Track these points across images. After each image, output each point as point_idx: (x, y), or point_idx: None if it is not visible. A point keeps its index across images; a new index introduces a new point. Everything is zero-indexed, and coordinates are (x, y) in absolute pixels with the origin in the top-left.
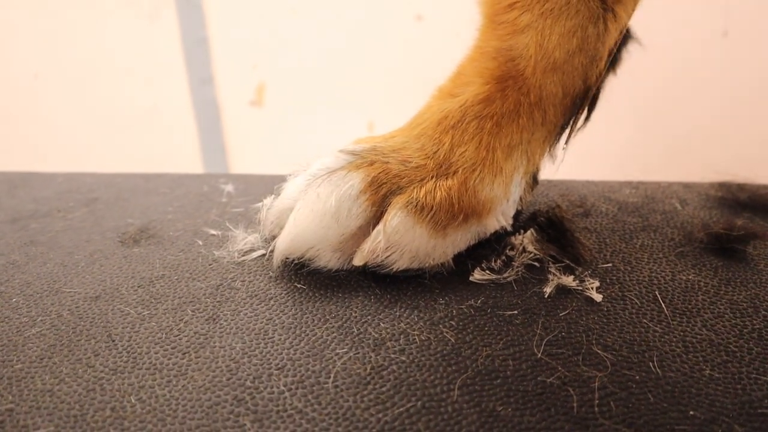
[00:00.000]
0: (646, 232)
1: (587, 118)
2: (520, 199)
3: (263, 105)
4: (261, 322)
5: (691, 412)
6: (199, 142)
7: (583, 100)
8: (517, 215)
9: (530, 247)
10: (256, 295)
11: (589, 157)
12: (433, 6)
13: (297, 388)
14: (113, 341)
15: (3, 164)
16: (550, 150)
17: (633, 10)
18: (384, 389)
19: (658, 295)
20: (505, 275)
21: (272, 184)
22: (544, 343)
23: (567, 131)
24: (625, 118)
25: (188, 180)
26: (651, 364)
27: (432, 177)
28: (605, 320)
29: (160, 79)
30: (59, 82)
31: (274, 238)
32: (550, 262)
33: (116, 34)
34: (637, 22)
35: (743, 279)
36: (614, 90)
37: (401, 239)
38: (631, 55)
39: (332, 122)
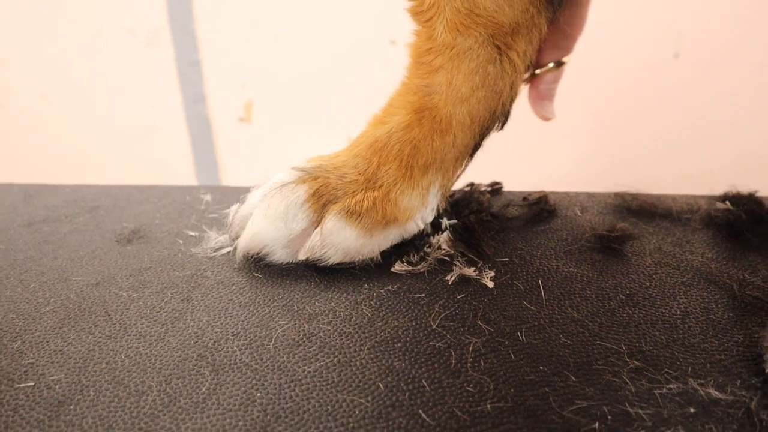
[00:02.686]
0: (544, 234)
1: (501, 128)
2: (437, 206)
3: (251, 121)
4: (224, 302)
5: (541, 367)
6: (193, 156)
7: (489, 127)
8: (437, 218)
9: (444, 246)
10: (222, 282)
11: (549, 169)
12: (406, 33)
13: (246, 349)
14: (109, 316)
15: (18, 177)
16: (463, 167)
17: (527, 54)
18: (311, 350)
19: (540, 283)
20: (420, 267)
21: (242, 194)
22: (440, 318)
23: (478, 151)
24: (581, 134)
25: (174, 191)
26: (519, 333)
27: (362, 189)
28: (492, 301)
29: (156, 98)
30: (65, 102)
31: (238, 237)
32: (458, 257)
33: (117, 58)
34: (592, 44)
35: (613, 271)
36: (571, 107)
37: (335, 239)
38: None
39: (315, 137)
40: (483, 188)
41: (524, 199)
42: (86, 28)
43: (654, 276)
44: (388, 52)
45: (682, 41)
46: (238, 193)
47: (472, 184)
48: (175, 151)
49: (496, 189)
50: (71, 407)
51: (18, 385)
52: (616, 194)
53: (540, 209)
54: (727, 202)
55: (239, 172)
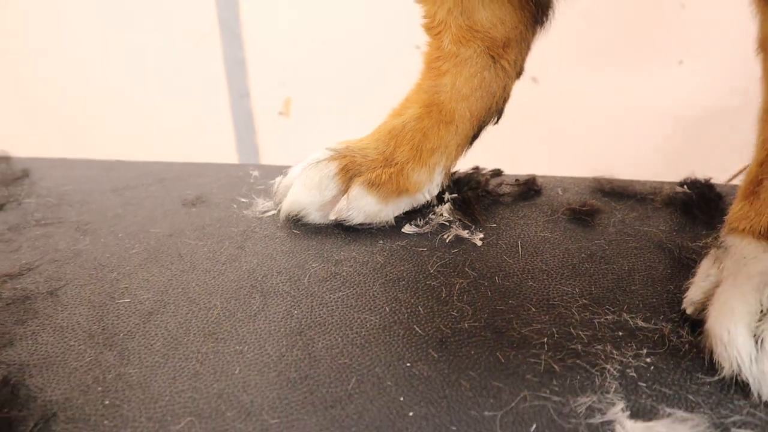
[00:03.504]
0: (528, 208)
1: (496, 122)
2: (442, 182)
3: (290, 116)
4: (269, 250)
5: (510, 301)
6: (236, 145)
7: (486, 121)
8: (441, 193)
9: (445, 213)
10: (268, 236)
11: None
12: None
13: (287, 282)
14: (181, 257)
15: (96, 154)
16: (464, 152)
17: (517, 62)
18: (336, 284)
19: (519, 243)
20: (424, 229)
21: (284, 170)
22: (436, 265)
23: (476, 140)
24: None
25: (228, 167)
26: (496, 278)
27: (381, 166)
28: (479, 255)
29: (206, 93)
30: (131, 94)
31: (280, 203)
32: (455, 222)
33: (173, 57)
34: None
35: (580, 236)
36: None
37: (358, 204)
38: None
39: (345, 131)
40: (484, 172)
41: (516, 180)
42: (149, 31)
43: (613, 241)
44: (412, 56)
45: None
46: (281, 170)
47: (476, 167)
48: (220, 140)
49: (495, 172)
50: (157, 316)
51: (118, 301)
52: (594, 178)
53: (528, 188)
54: (685, 186)
55: (277, 161)
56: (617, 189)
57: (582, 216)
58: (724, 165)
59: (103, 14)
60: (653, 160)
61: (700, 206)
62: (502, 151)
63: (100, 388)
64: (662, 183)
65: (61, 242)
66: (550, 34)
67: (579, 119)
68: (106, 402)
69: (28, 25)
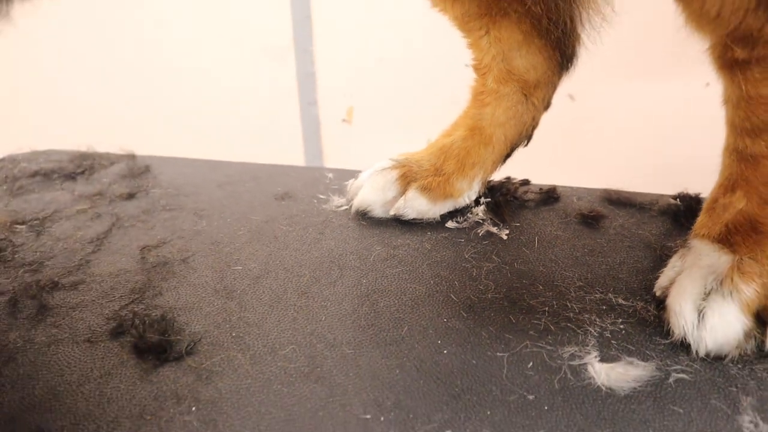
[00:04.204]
0: (547, 212)
1: (526, 145)
2: (479, 190)
3: (352, 123)
4: (343, 236)
5: (524, 281)
6: (303, 147)
7: (517, 144)
8: (478, 198)
9: (480, 213)
10: (342, 225)
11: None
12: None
13: (357, 259)
14: (276, 239)
15: (196, 153)
16: (499, 167)
17: (545, 98)
18: (393, 263)
19: (536, 239)
20: (463, 225)
21: (353, 174)
22: (471, 252)
23: (509, 157)
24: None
25: (308, 170)
26: (515, 263)
27: (432, 175)
28: (504, 246)
29: (280, 101)
30: (221, 102)
31: (352, 200)
32: (488, 221)
33: (253, 70)
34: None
35: (585, 236)
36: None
37: (412, 204)
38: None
39: (400, 138)
40: (514, 181)
41: (540, 188)
42: (232, 47)
43: (611, 240)
44: (460, 72)
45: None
46: (351, 174)
47: (508, 178)
48: (291, 142)
49: (524, 182)
50: (263, 280)
51: (233, 268)
52: (604, 189)
53: (548, 196)
54: (677, 199)
55: (339, 163)
56: (622, 199)
57: (589, 220)
58: None
59: (204, 35)
60: (676, 174)
61: (686, 216)
62: (537, 162)
63: (227, 326)
64: (660, 195)
65: (185, 223)
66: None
67: (608, 134)
68: (233, 334)
69: (142, 42)
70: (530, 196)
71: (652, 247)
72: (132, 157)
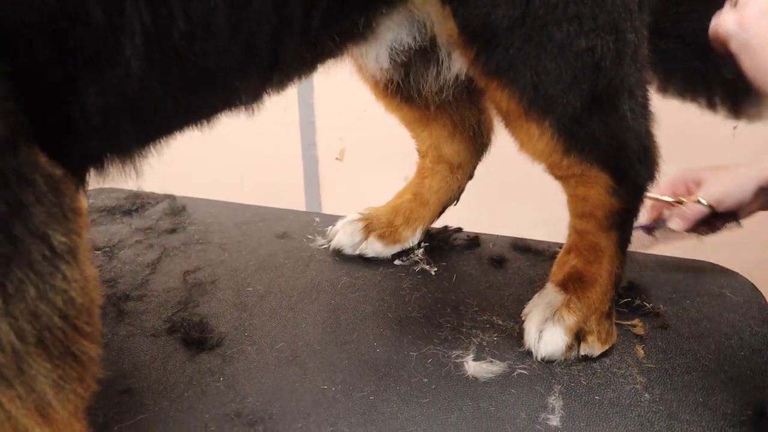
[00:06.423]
0: (468, 255)
1: (455, 204)
2: (420, 237)
3: (344, 161)
4: (322, 267)
5: (440, 305)
6: (304, 179)
7: (448, 204)
8: (420, 242)
9: (419, 255)
10: (322, 260)
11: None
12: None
13: (329, 286)
14: (276, 268)
15: (215, 194)
16: (434, 220)
17: (467, 173)
18: (355, 288)
19: (455, 275)
20: (405, 263)
21: (334, 221)
22: (407, 283)
23: (443, 213)
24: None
25: (300, 214)
26: (437, 293)
27: (386, 226)
28: (431, 280)
29: (285, 144)
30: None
31: (330, 241)
32: (423, 260)
33: (263, 119)
34: None
35: (490, 274)
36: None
37: (372, 246)
38: None
39: (383, 174)
40: (450, 229)
41: (467, 236)
42: None
43: (508, 278)
44: None
45: None
46: (332, 220)
47: (445, 226)
48: (293, 177)
49: (457, 230)
50: (266, 298)
51: (246, 289)
52: (513, 238)
53: (472, 242)
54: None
55: (334, 192)
56: (524, 246)
57: (495, 262)
58: None
59: None
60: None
61: None
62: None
63: (242, 328)
64: (555, 243)
65: (212, 254)
66: None
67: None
68: (245, 334)
69: None
70: (459, 241)
71: (536, 284)
72: (172, 198)
